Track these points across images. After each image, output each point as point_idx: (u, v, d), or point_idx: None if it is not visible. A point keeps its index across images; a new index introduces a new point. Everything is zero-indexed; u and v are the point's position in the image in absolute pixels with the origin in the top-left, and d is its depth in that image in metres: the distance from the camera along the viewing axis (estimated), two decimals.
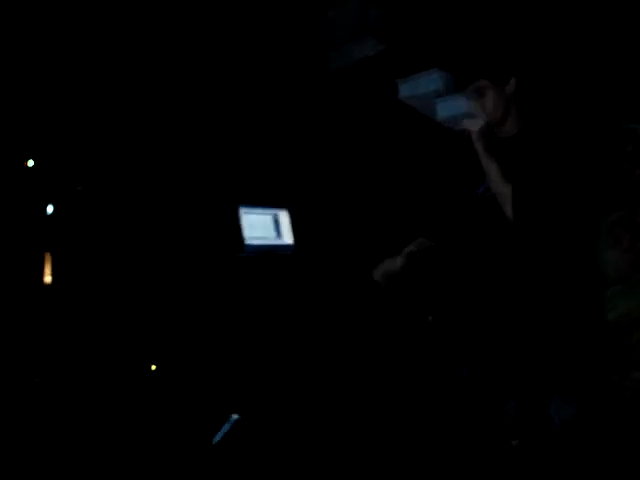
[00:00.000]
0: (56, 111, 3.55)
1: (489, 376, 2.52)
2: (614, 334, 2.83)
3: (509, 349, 2.44)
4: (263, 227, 3.89)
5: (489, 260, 2.50)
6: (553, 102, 2.84)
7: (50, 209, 3.50)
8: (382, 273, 2.85)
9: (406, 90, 4.01)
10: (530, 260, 2.40)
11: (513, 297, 2.43)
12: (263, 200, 3.92)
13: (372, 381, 3.68)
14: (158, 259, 3.61)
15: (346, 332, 3.90)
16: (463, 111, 3.66)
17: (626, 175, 2.94)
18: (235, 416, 3.13)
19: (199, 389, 3.47)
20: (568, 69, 3.27)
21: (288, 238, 3.99)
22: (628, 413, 2.58)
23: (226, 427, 3.10)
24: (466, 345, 2.65)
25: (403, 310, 3.83)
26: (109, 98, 3.67)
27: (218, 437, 3.06)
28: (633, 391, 2.65)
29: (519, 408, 2.41)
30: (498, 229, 2.41)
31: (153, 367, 3.51)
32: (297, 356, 3.71)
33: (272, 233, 3.93)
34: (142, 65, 3.75)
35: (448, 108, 3.77)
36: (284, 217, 4.00)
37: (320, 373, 3.70)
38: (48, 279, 3.46)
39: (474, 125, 2.42)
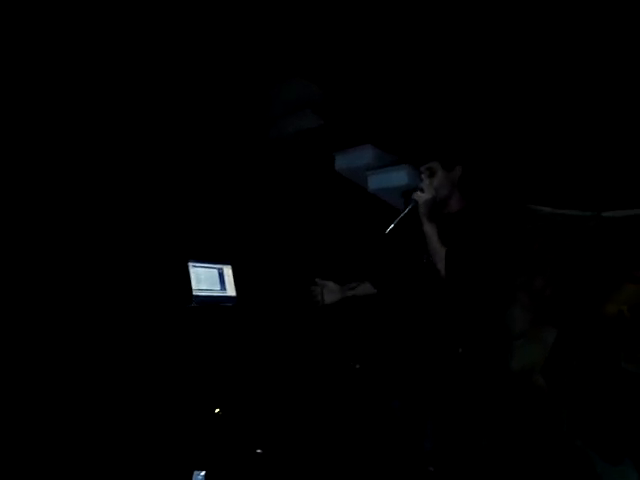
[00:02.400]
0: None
1: (415, 410, 2.98)
2: (519, 378, 3.33)
3: (431, 386, 2.91)
4: (209, 280, 4.23)
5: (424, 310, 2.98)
6: (487, 189, 3.34)
7: None
8: (320, 295, 3.31)
9: (342, 162, 4.49)
10: (454, 308, 2.88)
11: (437, 342, 2.91)
12: (210, 256, 4.27)
13: (312, 417, 4.06)
14: (114, 306, 3.89)
15: (282, 378, 4.27)
16: (393, 185, 4.21)
17: (527, 248, 3.50)
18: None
19: (150, 432, 3.73)
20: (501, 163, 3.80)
21: (231, 290, 4.34)
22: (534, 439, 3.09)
23: None
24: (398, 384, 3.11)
25: (334, 355, 4.25)
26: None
27: None
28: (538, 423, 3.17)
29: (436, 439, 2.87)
30: (435, 288, 2.89)
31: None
32: (240, 399, 4.04)
33: (217, 286, 4.28)
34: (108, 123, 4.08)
35: (379, 181, 4.27)
36: (228, 271, 4.36)
37: (263, 415, 4.04)
38: None
39: (422, 198, 2.86)
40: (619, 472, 3.09)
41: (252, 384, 4.16)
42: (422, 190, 2.86)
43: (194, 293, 4.07)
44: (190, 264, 4.12)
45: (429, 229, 2.83)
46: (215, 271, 4.32)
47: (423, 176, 2.91)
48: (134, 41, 3.92)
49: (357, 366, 3.83)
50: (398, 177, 4.10)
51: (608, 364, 3.19)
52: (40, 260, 3.76)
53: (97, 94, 4.02)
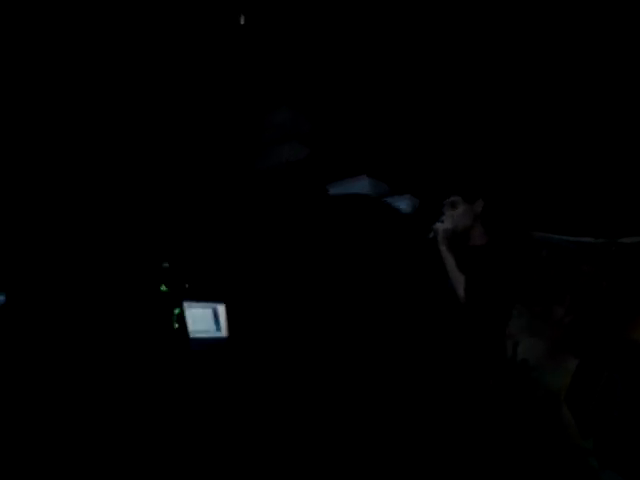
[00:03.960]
0: None
1: None
2: (541, 408, 3.28)
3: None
4: (205, 321, 4.04)
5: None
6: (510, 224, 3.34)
7: None
8: None
9: (336, 193, 4.39)
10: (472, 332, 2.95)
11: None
12: (204, 294, 4.09)
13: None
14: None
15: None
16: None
17: (543, 275, 3.47)
18: None
19: None
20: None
21: (224, 331, 4.16)
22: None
23: None
24: None
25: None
26: None
27: None
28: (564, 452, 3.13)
29: None
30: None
31: None
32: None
33: (213, 326, 4.09)
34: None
35: None
36: (222, 310, 4.18)
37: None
38: None
39: (440, 228, 2.94)
40: None
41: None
42: (442, 221, 2.94)
43: (191, 336, 3.91)
44: (185, 304, 3.95)
45: (447, 257, 2.94)
46: (210, 311, 4.15)
47: (445, 208, 2.96)
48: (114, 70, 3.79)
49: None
50: (402, 205, 4.05)
51: (636, 395, 3.16)
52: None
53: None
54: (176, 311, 3.83)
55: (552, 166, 3.66)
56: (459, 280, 2.91)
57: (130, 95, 4.00)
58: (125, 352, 3.70)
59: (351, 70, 4.12)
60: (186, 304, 3.91)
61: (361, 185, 4.26)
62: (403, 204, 3.99)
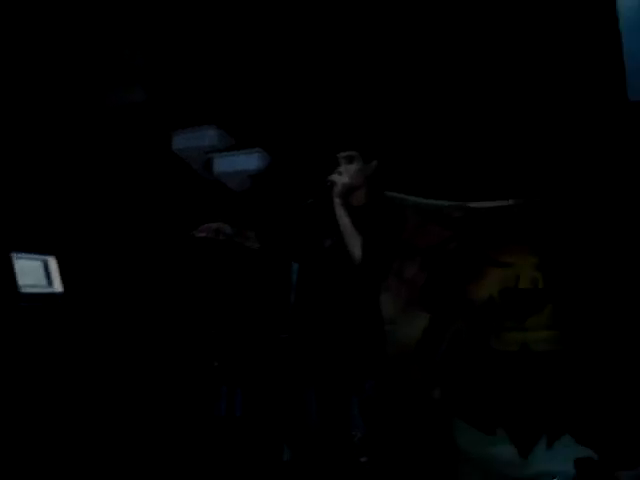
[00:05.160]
0: None
1: (337, 399, 2.94)
2: (394, 362, 3.43)
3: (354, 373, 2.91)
4: (35, 274, 3.66)
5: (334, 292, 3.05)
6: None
7: None
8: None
9: (180, 142, 4.14)
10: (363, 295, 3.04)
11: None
12: (34, 246, 3.69)
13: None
14: None
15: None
16: (241, 168, 4.03)
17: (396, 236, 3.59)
18: None
19: None
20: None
21: (58, 285, 3.81)
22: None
23: None
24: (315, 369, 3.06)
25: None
26: None
27: None
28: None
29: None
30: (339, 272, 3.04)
31: None
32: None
33: (43, 280, 3.72)
34: None
35: (226, 164, 4.03)
36: (53, 263, 3.81)
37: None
38: None
39: (340, 180, 2.84)
40: (490, 440, 3.32)
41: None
42: (339, 173, 2.84)
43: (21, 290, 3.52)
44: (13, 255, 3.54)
45: (343, 213, 2.83)
46: (40, 263, 3.76)
47: (342, 161, 2.87)
48: None
49: (215, 364, 3.62)
50: (248, 161, 3.92)
51: (478, 345, 3.40)
52: None
53: None
54: None
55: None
56: (355, 238, 2.85)
57: None
58: None
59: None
60: (14, 255, 3.50)
61: (208, 135, 4.06)
62: (252, 158, 3.88)
